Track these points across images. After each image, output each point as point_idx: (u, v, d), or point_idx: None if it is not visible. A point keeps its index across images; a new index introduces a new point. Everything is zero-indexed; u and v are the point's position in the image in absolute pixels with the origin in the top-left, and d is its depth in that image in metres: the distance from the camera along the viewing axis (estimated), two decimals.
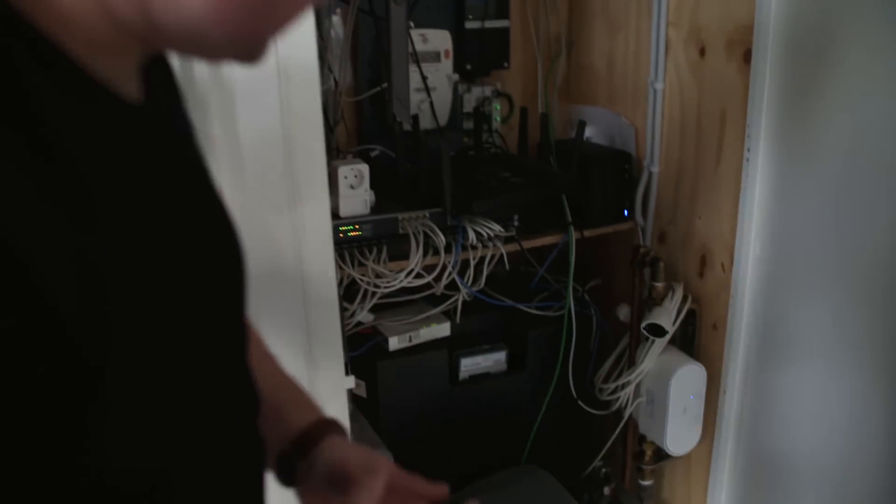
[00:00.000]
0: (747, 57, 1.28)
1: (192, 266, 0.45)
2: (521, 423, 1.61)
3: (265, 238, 0.96)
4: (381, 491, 0.63)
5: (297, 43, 0.90)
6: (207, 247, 0.49)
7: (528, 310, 1.58)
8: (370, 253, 1.36)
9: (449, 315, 1.53)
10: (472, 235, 1.41)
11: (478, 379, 1.55)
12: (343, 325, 1.22)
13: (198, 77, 0.86)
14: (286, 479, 0.65)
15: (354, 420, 1.20)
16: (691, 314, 1.47)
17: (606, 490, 1.69)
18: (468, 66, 1.60)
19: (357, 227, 1.36)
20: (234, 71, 0.89)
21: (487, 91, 1.68)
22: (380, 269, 1.34)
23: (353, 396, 1.49)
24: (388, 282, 1.35)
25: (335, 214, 1.35)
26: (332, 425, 0.67)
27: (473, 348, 1.54)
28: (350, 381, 1.10)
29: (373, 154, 1.52)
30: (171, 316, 0.40)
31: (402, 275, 1.34)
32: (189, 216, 0.47)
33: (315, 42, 0.92)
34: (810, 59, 1.17)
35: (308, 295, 1.01)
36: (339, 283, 1.37)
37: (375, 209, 1.39)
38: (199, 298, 0.45)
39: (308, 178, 0.96)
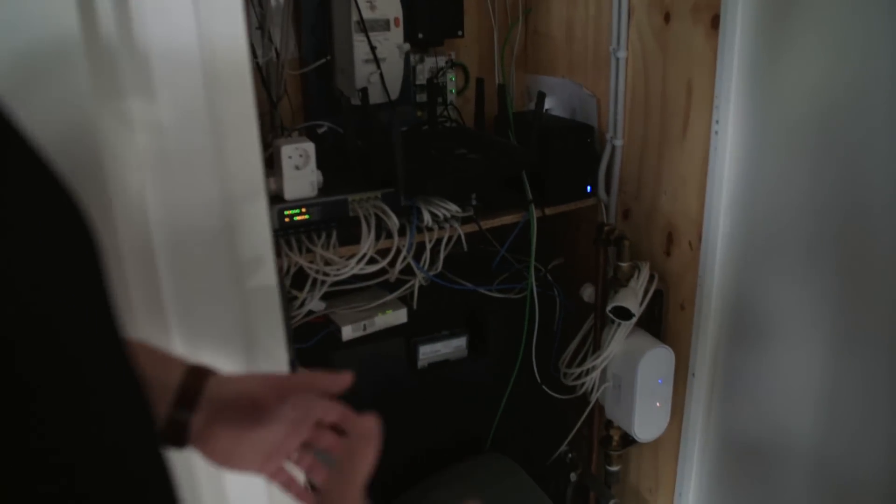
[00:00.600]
0: (715, 23, 1.20)
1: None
2: (483, 410, 1.54)
3: (194, 227, 0.86)
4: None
5: (222, 7, 0.80)
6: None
7: (488, 293, 1.50)
8: (318, 238, 1.27)
9: (406, 301, 1.45)
10: (427, 217, 1.32)
11: (438, 366, 1.47)
12: (288, 319, 1.13)
13: (106, 38, 0.76)
14: (179, 441, 0.62)
15: None
16: (658, 294, 1.41)
17: (573, 476, 1.64)
18: (420, 35, 1.50)
19: (304, 210, 1.26)
20: (149, 44, 0.78)
21: (441, 61, 1.59)
22: (329, 255, 1.25)
23: None
24: (338, 269, 1.26)
25: (279, 197, 1.26)
26: (202, 369, 0.64)
27: (432, 335, 1.47)
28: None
29: (320, 131, 1.42)
30: None
31: (353, 261, 1.25)
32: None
33: (241, 7, 0.81)
34: (782, 25, 1.10)
35: (245, 286, 0.92)
36: (286, 272, 1.27)
37: (323, 190, 1.30)
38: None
39: (239, 159, 0.86)
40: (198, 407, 0.62)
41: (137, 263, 0.83)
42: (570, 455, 1.65)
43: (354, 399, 1.43)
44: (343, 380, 0.68)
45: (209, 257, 0.88)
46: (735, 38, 1.16)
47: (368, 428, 0.61)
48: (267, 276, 0.93)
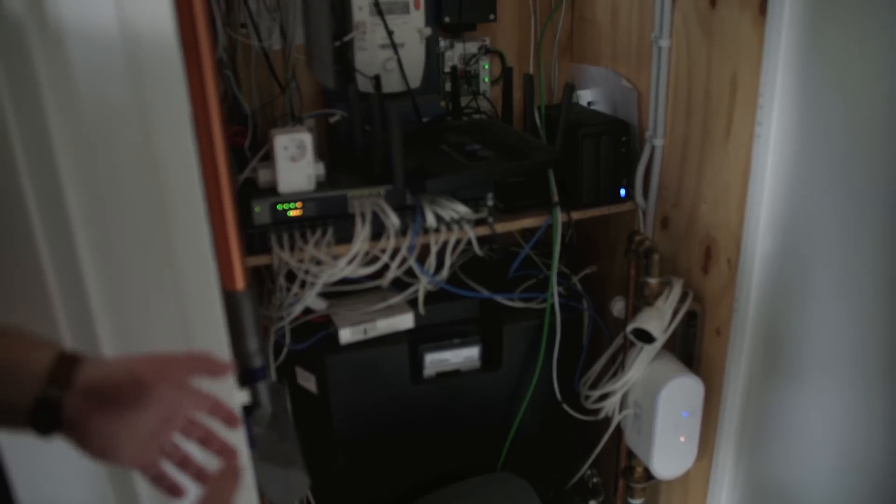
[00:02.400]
0: (763, 8, 1.03)
1: None
2: (496, 427, 1.43)
3: (122, 227, 0.80)
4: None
5: None
6: None
7: (505, 302, 1.38)
8: (312, 235, 1.19)
9: (414, 305, 1.35)
10: (430, 218, 1.22)
11: (446, 377, 1.37)
12: (253, 320, 1.06)
13: (12, 14, 0.70)
14: (49, 423, 0.60)
15: (272, 429, 1.04)
16: (692, 316, 1.25)
17: (593, 503, 1.50)
18: (447, 19, 1.39)
19: (298, 205, 1.19)
20: (63, 24, 0.72)
21: (473, 48, 1.47)
22: (318, 254, 1.17)
23: (302, 391, 1.34)
24: (327, 270, 1.17)
25: (274, 190, 1.19)
26: (75, 353, 0.63)
27: (441, 342, 1.37)
28: (243, 396, 0.94)
29: (332, 120, 1.34)
30: None
31: (343, 262, 1.17)
32: None
33: None
34: (838, 12, 0.92)
35: (183, 292, 0.85)
36: (277, 270, 1.21)
37: (324, 184, 1.22)
38: None
39: (171, 154, 0.79)
40: (69, 386, 0.60)
41: (58, 266, 0.78)
42: (594, 480, 1.51)
43: (352, 407, 1.36)
44: (223, 367, 0.68)
45: (141, 261, 0.82)
46: (782, 25, 0.99)
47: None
48: (208, 287, 0.86)
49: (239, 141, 1.29)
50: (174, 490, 0.71)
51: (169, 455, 0.70)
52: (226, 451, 0.73)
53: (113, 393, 0.62)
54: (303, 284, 1.21)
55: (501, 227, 1.29)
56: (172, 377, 0.65)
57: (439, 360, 1.36)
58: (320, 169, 1.22)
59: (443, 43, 1.45)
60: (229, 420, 0.72)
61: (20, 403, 0.59)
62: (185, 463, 0.71)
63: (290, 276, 1.22)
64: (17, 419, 0.59)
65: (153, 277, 0.83)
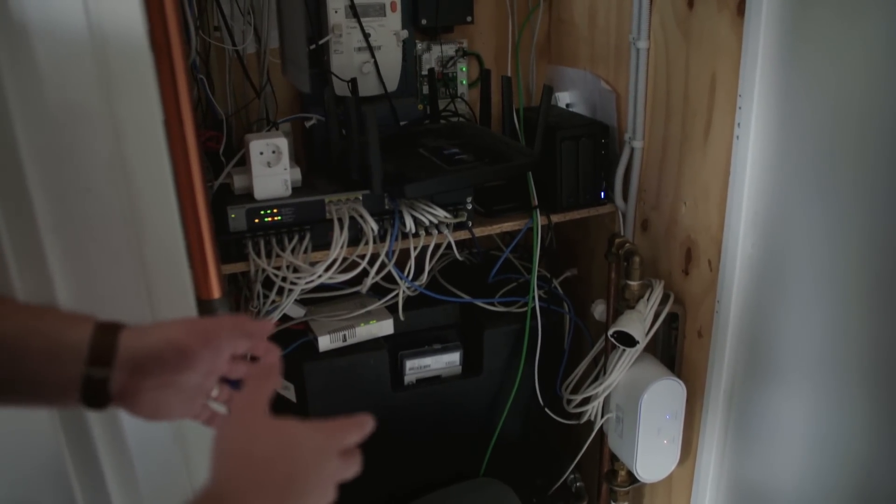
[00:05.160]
0: (741, 8, 1.03)
1: None
2: (478, 432, 1.41)
3: (93, 236, 0.78)
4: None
5: None
6: None
7: (485, 306, 1.37)
8: (290, 241, 1.17)
9: (394, 311, 1.33)
10: (409, 222, 1.20)
11: (426, 383, 1.36)
12: None
13: None
14: (100, 401, 0.60)
15: None
16: (674, 318, 1.25)
17: None
18: (423, 21, 1.38)
19: (275, 211, 1.16)
20: (29, 23, 0.69)
21: (451, 50, 1.46)
22: (296, 261, 1.15)
23: (281, 400, 1.32)
24: (305, 276, 1.15)
25: (249, 196, 1.17)
26: (112, 324, 0.62)
27: (421, 349, 1.35)
28: (220, 408, 0.91)
29: (308, 124, 1.32)
30: None
31: (321, 268, 1.15)
32: None
33: None
34: (816, 12, 0.92)
35: (159, 299, 0.83)
36: (255, 277, 1.18)
37: (301, 190, 1.20)
38: None
39: (142, 160, 0.77)
40: (114, 362, 0.60)
41: (26, 275, 0.75)
42: (577, 484, 1.50)
43: (331, 415, 1.34)
44: (267, 325, 0.68)
45: (112, 270, 0.80)
46: (760, 27, 0.99)
47: (273, 355, 0.67)
48: (181, 292, 0.84)
49: (213, 146, 1.26)
50: None
51: (217, 398, 0.71)
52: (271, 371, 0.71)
53: (159, 364, 0.61)
54: (280, 291, 1.19)
55: (481, 231, 1.28)
56: (212, 342, 0.64)
57: (420, 367, 1.34)
58: (297, 174, 1.20)
59: (420, 45, 1.43)
60: (270, 354, 0.70)
61: (67, 384, 0.58)
62: (231, 400, 0.72)
63: (268, 284, 1.20)
64: (69, 399, 0.59)
65: (126, 286, 0.81)
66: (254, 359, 0.70)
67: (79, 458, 0.86)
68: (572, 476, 1.51)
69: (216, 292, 0.96)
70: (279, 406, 1.30)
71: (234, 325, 0.66)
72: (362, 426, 0.60)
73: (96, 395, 0.60)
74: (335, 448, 0.59)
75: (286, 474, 0.55)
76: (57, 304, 0.77)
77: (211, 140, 1.27)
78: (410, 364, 1.33)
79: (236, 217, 1.14)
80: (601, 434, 1.35)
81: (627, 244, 1.26)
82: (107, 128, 0.75)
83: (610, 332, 1.20)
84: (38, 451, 0.84)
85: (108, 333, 0.60)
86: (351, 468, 0.60)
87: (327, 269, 1.15)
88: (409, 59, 1.37)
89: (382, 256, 1.20)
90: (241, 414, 0.59)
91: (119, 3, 0.72)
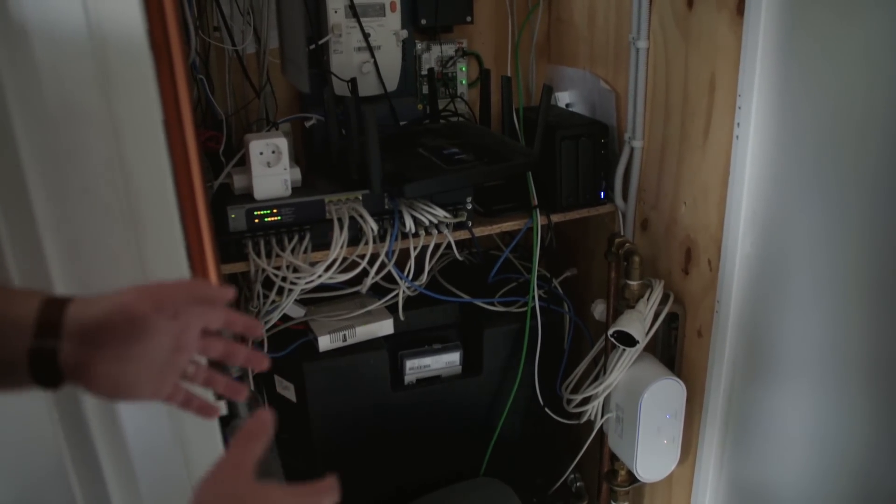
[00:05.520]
0: (740, 8, 1.03)
1: None
2: (478, 432, 1.42)
3: (92, 238, 0.78)
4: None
5: None
6: None
7: (485, 306, 1.37)
8: (290, 241, 1.17)
9: (394, 311, 1.33)
10: (409, 222, 1.21)
11: (426, 383, 1.36)
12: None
13: None
14: (51, 377, 0.57)
15: None
16: (674, 318, 1.25)
17: None
18: (423, 21, 1.38)
19: (275, 211, 1.17)
20: (28, 23, 0.69)
21: (451, 50, 1.46)
22: (295, 261, 1.15)
23: (281, 400, 1.32)
24: (305, 277, 1.15)
25: (249, 196, 1.17)
26: (60, 297, 0.59)
27: (421, 348, 1.35)
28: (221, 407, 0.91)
29: (307, 124, 1.32)
30: None
31: (321, 268, 1.15)
32: None
33: None
34: (815, 12, 0.92)
35: None
36: (255, 278, 1.18)
37: (300, 190, 1.20)
38: None
39: (144, 164, 0.77)
40: (62, 333, 0.57)
41: (25, 276, 0.75)
42: (577, 484, 1.50)
43: (331, 415, 1.34)
44: (225, 292, 0.65)
45: (112, 271, 0.79)
46: (759, 27, 0.99)
47: (262, 418, 0.60)
48: None
49: (213, 146, 1.26)
50: (206, 410, 0.69)
51: (192, 378, 0.68)
52: (254, 359, 0.70)
53: (108, 332, 0.58)
54: (280, 291, 1.19)
55: (481, 231, 1.28)
56: (166, 306, 0.60)
57: (420, 366, 1.34)
58: (296, 174, 1.20)
59: (419, 45, 1.43)
60: (250, 329, 0.67)
61: (15, 359, 0.56)
62: (210, 381, 0.69)
63: (268, 284, 1.20)
64: (18, 377, 0.56)
65: (125, 286, 0.80)
66: (242, 339, 0.68)
67: (79, 458, 0.86)
68: (572, 476, 1.51)
69: None
70: (280, 406, 1.31)
71: (188, 289, 0.63)
72: (333, 490, 0.57)
73: (46, 370, 0.57)
74: None
75: None
76: None
77: (211, 140, 1.27)
78: (410, 364, 1.33)
79: (236, 217, 1.14)
80: (601, 434, 1.35)
81: (627, 244, 1.26)
82: (106, 128, 0.75)
83: (610, 331, 1.20)
84: (38, 450, 0.84)
85: (55, 306, 0.58)
86: None
87: (327, 269, 1.15)
88: (409, 58, 1.38)
89: (382, 256, 1.20)
90: (226, 473, 0.56)
91: (118, 3, 0.72)
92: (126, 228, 0.79)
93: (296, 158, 1.35)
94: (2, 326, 0.56)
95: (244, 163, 1.18)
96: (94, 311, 0.58)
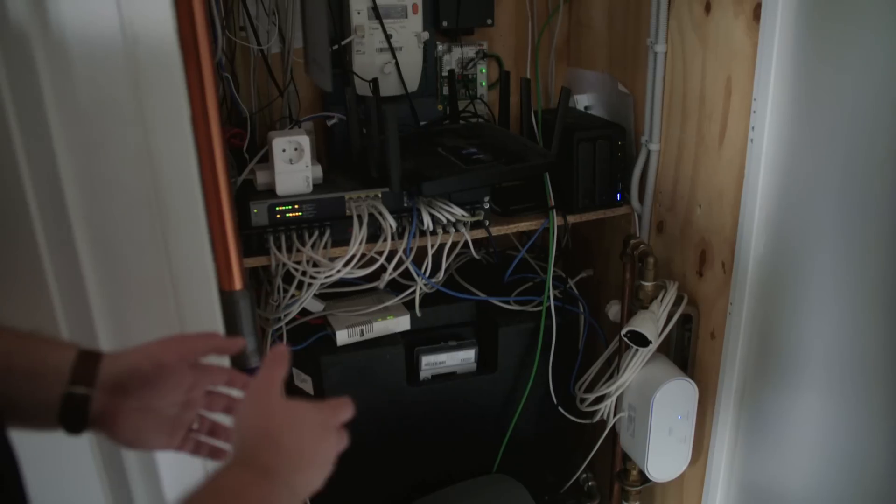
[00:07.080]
0: (757, 13, 1.04)
1: None
2: (491, 429, 1.43)
3: (121, 228, 0.81)
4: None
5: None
6: None
7: (501, 305, 1.39)
8: (310, 237, 1.20)
9: (411, 307, 1.36)
10: (427, 220, 1.23)
11: (441, 379, 1.38)
12: (253, 318, 1.06)
13: (16, 19, 0.71)
14: (77, 421, 0.63)
15: None
16: (687, 319, 1.26)
17: None
18: (444, 24, 1.40)
19: (297, 206, 1.19)
20: (65, 27, 0.73)
21: (471, 52, 1.48)
22: (315, 256, 1.17)
23: (298, 392, 1.35)
24: (325, 271, 1.18)
25: (271, 192, 1.20)
26: (94, 350, 0.65)
27: (437, 345, 1.37)
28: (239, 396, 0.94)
29: (329, 123, 1.35)
30: None
31: (340, 263, 1.18)
32: None
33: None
34: (831, 17, 0.93)
35: (183, 290, 0.86)
36: (275, 272, 1.21)
37: (322, 187, 1.23)
38: None
39: (168, 153, 0.80)
40: (96, 382, 0.63)
41: (58, 265, 0.79)
42: (589, 483, 1.52)
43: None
44: (237, 343, 0.72)
45: (139, 261, 0.83)
46: (775, 31, 1.00)
47: (280, 349, 0.67)
48: (204, 283, 0.87)
49: (237, 143, 1.30)
50: (214, 454, 0.75)
51: (198, 430, 0.74)
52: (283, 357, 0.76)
53: (137, 379, 0.65)
54: (300, 286, 1.22)
55: (497, 231, 1.30)
56: (188, 355, 0.68)
57: (435, 363, 1.36)
58: (318, 171, 1.23)
59: (440, 47, 1.46)
60: (247, 388, 0.73)
61: (48, 403, 0.61)
62: (215, 431, 0.75)
63: (288, 278, 1.23)
64: (47, 419, 0.62)
65: (151, 277, 0.84)
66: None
67: (102, 447, 0.89)
68: (584, 475, 1.52)
69: (238, 284, 0.99)
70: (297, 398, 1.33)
71: (205, 339, 0.71)
72: (348, 406, 0.67)
73: (75, 415, 0.62)
74: (335, 424, 0.65)
75: (297, 445, 0.61)
76: (86, 291, 0.81)
77: (235, 137, 1.30)
78: (426, 360, 1.36)
79: (258, 212, 1.17)
80: (613, 433, 1.37)
81: (642, 245, 1.27)
82: (136, 123, 0.78)
83: (623, 331, 1.22)
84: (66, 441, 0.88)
85: (90, 357, 0.64)
86: (344, 442, 0.66)
87: (346, 265, 1.18)
88: (430, 60, 1.40)
89: (400, 253, 1.22)
90: (259, 394, 0.63)
91: (150, 6, 0.75)
92: (153, 220, 0.82)
93: (317, 156, 1.38)
94: (41, 371, 0.61)
95: (267, 159, 1.21)
96: (125, 361, 0.65)
